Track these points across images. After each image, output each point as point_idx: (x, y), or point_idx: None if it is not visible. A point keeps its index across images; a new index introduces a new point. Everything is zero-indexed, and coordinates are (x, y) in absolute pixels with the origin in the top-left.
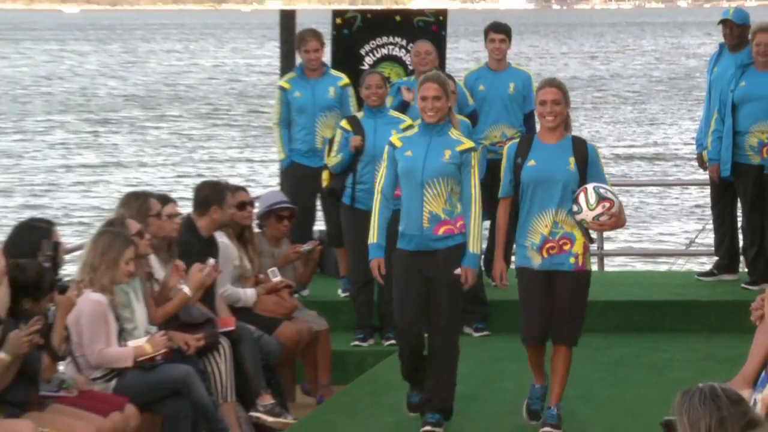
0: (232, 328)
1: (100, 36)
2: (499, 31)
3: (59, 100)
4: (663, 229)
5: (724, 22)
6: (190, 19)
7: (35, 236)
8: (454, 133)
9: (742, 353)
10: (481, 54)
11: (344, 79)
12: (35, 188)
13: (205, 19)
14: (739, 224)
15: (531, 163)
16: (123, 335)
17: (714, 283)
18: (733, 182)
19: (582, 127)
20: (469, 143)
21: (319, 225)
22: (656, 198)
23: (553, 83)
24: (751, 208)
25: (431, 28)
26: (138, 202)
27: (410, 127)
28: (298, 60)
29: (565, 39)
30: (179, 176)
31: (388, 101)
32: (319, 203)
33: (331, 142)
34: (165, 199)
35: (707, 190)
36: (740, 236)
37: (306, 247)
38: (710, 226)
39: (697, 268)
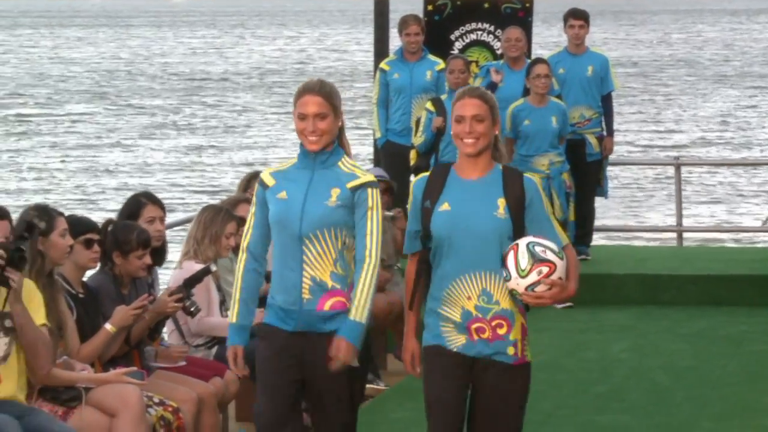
0: None
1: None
2: (578, 17)
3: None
4: (740, 207)
5: None
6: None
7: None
8: (347, 163)
9: None
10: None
11: (441, 64)
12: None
13: (307, 5)
14: None
15: (444, 207)
16: (225, 305)
17: None
18: None
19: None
20: (365, 177)
21: None
22: (733, 177)
23: (473, 93)
24: None
25: (518, 15)
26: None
27: None
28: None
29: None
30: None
31: (478, 83)
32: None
33: (417, 122)
34: None
35: None
36: None
37: (388, 213)
38: None
39: None
